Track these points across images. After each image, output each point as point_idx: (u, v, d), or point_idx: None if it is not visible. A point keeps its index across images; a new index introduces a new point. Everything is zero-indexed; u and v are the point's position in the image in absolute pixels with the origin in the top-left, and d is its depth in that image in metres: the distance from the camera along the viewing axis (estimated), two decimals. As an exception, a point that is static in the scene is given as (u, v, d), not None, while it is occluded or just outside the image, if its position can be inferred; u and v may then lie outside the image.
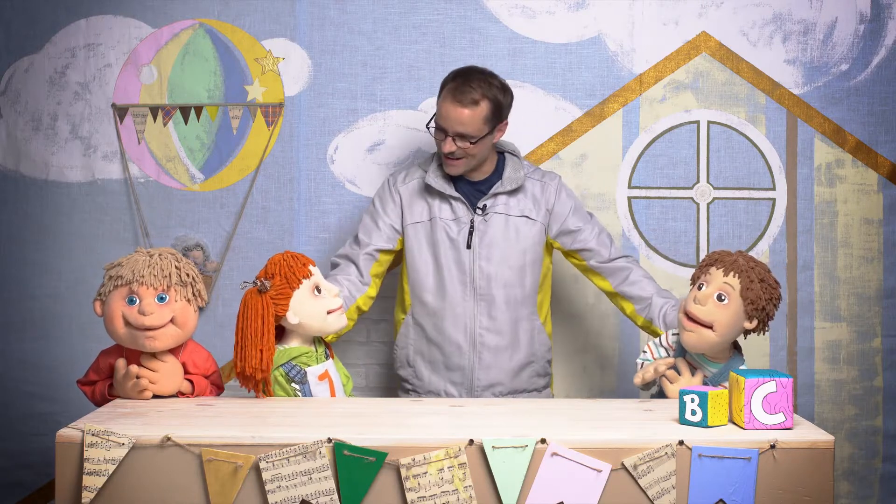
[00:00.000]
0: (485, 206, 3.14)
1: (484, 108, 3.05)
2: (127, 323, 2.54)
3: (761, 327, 2.65)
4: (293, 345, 2.68)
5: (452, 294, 3.14)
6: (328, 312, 2.67)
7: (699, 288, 2.62)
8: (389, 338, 3.51)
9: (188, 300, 2.59)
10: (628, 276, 3.15)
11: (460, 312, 3.14)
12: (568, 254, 3.23)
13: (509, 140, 3.31)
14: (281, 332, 2.70)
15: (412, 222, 3.17)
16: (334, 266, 3.20)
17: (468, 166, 3.12)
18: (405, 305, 3.22)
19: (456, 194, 3.14)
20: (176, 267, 2.58)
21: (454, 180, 3.17)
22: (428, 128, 3.14)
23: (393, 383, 3.49)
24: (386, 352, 3.59)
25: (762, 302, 2.60)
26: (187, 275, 2.59)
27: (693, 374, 2.67)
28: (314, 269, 2.68)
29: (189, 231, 3.57)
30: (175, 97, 3.57)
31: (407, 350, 3.21)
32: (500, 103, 3.09)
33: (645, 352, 2.81)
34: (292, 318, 2.63)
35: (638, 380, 2.69)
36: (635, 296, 3.13)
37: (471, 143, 3.05)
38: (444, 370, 3.16)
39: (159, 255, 2.59)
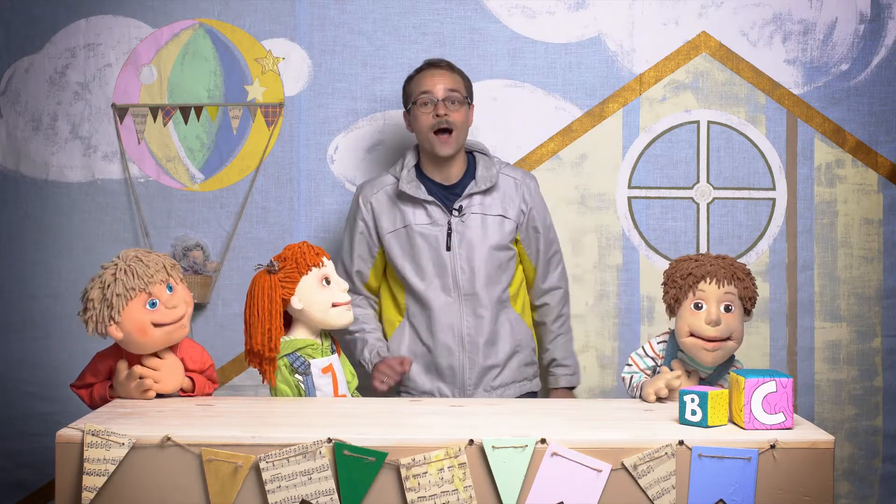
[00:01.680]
0: (461, 207, 3.15)
1: (459, 75, 3.18)
2: (156, 325, 2.55)
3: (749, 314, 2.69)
4: (299, 336, 2.69)
5: (438, 297, 3.14)
6: (333, 305, 2.69)
7: (697, 308, 2.61)
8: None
9: (181, 280, 2.63)
10: (546, 322, 3.31)
11: (447, 314, 3.14)
12: (516, 241, 3.24)
13: (508, 140, 3.30)
14: (290, 324, 2.72)
15: (388, 231, 3.17)
16: None
17: (458, 143, 3.13)
18: (400, 308, 3.22)
19: (430, 198, 3.14)
20: (156, 258, 2.60)
21: (426, 185, 3.17)
22: (407, 111, 3.17)
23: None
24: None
25: (755, 293, 2.64)
26: (165, 261, 2.63)
27: (688, 377, 2.66)
28: (327, 262, 2.72)
29: (189, 231, 3.57)
30: (175, 97, 3.56)
31: (400, 353, 3.21)
32: (468, 81, 3.21)
33: (630, 364, 2.76)
34: (297, 303, 2.66)
35: (651, 398, 2.59)
36: (542, 337, 3.32)
37: (463, 98, 3.12)
38: (435, 371, 3.16)
39: (135, 256, 2.58)
